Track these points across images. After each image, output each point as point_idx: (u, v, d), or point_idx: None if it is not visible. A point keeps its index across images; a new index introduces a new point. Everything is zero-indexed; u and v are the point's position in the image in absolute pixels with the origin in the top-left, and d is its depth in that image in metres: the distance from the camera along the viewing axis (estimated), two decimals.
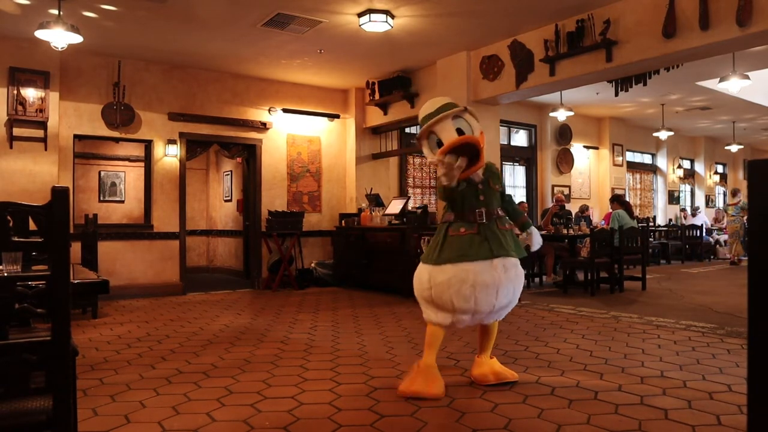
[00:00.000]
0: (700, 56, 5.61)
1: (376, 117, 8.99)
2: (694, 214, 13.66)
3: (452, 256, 3.25)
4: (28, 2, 5.59)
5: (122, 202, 9.79)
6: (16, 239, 1.57)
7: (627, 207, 8.38)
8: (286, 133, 8.81)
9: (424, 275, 3.34)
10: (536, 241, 3.71)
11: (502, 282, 3.24)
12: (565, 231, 8.32)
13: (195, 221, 10.81)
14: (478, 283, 3.18)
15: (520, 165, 11.36)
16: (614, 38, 5.70)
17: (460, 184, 3.29)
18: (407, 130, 9.47)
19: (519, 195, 11.17)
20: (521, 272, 3.42)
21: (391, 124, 8.94)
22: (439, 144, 3.27)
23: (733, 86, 7.87)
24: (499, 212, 3.45)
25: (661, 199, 14.38)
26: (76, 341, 2.59)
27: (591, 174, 12.41)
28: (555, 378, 3.56)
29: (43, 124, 6.77)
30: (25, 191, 6.57)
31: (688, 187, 15.53)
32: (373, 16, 5.84)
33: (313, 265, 8.83)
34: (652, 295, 7.33)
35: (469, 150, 3.15)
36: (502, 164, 10.15)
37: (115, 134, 7.48)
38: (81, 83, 7.22)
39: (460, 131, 3.25)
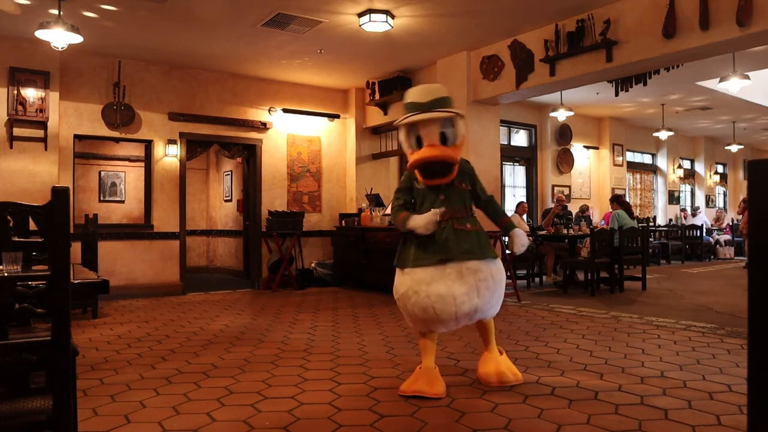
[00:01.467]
0: (700, 56, 5.61)
1: (376, 117, 8.99)
2: (694, 214, 13.66)
3: (408, 261, 3.25)
4: (28, 2, 5.59)
5: (122, 202, 9.78)
6: (16, 239, 1.57)
7: (627, 207, 8.39)
8: (286, 133, 8.81)
9: (401, 290, 3.30)
10: (519, 244, 3.41)
11: (457, 290, 3.14)
12: (565, 231, 8.32)
13: (195, 221, 10.81)
14: (432, 294, 3.13)
15: (520, 165, 11.36)
16: (614, 38, 5.70)
17: (416, 192, 3.31)
18: None
19: (519, 195, 11.17)
20: (490, 273, 3.26)
21: (391, 124, 8.92)
22: (419, 141, 3.19)
23: (733, 86, 7.86)
24: (466, 211, 3.32)
25: (661, 199, 14.38)
26: (76, 341, 2.59)
27: (591, 174, 12.40)
28: (555, 378, 3.56)
29: (43, 124, 6.77)
30: (25, 191, 6.57)
31: (688, 187, 15.53)
32: (373, 16, 5.84)
33: (313, 265, 8.83)
34: (652, 295, 7.32)
35: (441, 164, 3.13)
36: (502, 164, 10.16)
37: (115, 134, 7.48)
38: (81, 83, 7.22)
39: (443, 135, 3.17)
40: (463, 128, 3.26)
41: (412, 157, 3.18)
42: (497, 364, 3.44)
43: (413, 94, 3.30)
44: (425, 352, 3.38)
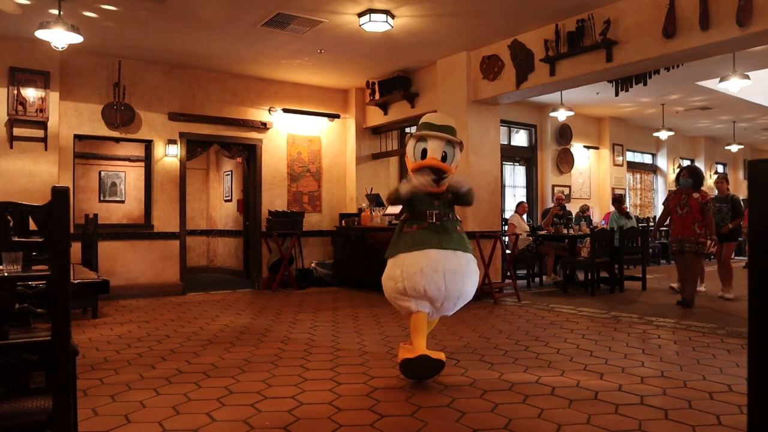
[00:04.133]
0: (700, 56, 5.61)
1: (376, 117, 8.99)
2: None
3: (412, 245, 3.57)
4: (28, 2, 5.59)
5: (122, 202, 9.78)
6: (16, 239, 1.57)
7: (619, 209, 8.45)
8: (286, 133, 8.81)
9: (395, 271, 3.59)
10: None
11: (466, 271, 3.56)
12: (565, 231, 8.32)
13: (195, 221, 10.81)
14: (448, 271, 3.47)
15: (520, 165, 11.35)
16: (614, 38, 5.70)
17: (415, 196, 3.70)
18: (407, 130, 9.47)
19: (519, 195, 11.16)
20: (476, 266, 3.70)
21: (391, 124, 8.94)
22: (423, 153, 3.66)
23: (733, 86, 7.86)
24: (454, 216, 3.76)
25: (661, 199, 14.37)
26: (76, 341, 2.59)
27: (591, 174, 12.40)
28: (555, 378, 3.56)
29: (43, 124, 6.77)
30: (25, 191, 6.57)
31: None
32: (373, 16, 5.83)
33: (313, 265, 8.83)
34: (652, 295, 7.33)
35: (438, 174, 3.61)
36: (502, 164, 10.15)
37: (115, 134, 7.48)
38: (81, 83, 7.22)
39: (444, 155, 3.65)
40: (459, 157, 3.78)
41: (417, 163, 3.67)
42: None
43: (429, 117, 3.82)
44: (420, 333, 3.53)
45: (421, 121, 3.80)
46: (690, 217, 6.36)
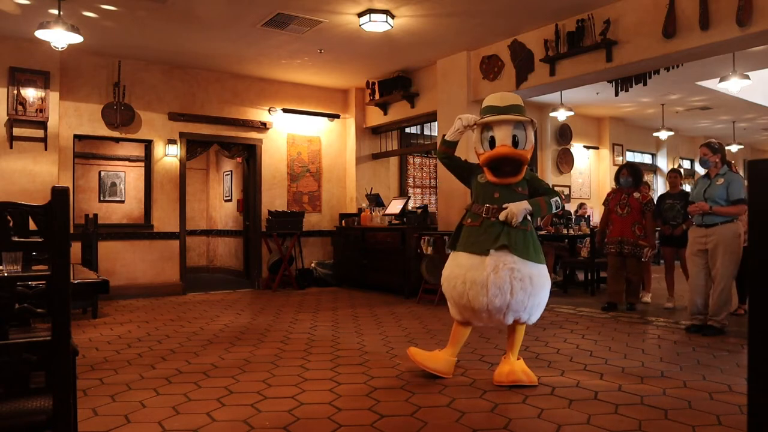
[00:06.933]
0: (700, 56, 5.61)
1: (376, 117, 8.99)
2: None
3: (457, 244, 3.49)
4: (28, 2, 5.59)
5: (122, 202, 9.78)
6: (16, 239, 1.57)
7: None
8: (286, 133, 8.81)
9: (446, 271, 3.53)
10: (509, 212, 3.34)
11: (490, 281, 3.23)
12: (565, 231, 8.32)
13: (195, 221, 10.81)
14: (468, 280, 3.31)
15: None
16: (614, 38, 5.70)
17: (475, 185, 3.53)
18: (407, 130, 9.47)
19: None
20: (529, 274, 3.29)
21: (391, 124, 8.94)
22: (491, 142, 3.39)
23: (733, 86, 7.85)
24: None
25: None
26: (76, 341, 2.59)
27: (591, 174, 12.41)
28: (555, 378, 3.56)
29: (43, 124, 6.77)
30: (25, 191, 6.56)
31: (688, 187, 15.49)
32: (373, 16, 5.84)
33: (313, 265, 8.83)
34: (652, 295, 7.31)
35: (511, 163, 3.37)
36: None
37: (115, 134, 7.47)
38: (81, 83, 7.21)
39: (515, 138, 3.37)
40: (533, 135, 3.47)
41: (486, 154, 3.41)
42: (511, 365, 3.47)
43: (491, 99, 3.51)
44: (452, 340, 3.57)
45: (483, 105, 3.51)
46: (630, 217, 6.07)
